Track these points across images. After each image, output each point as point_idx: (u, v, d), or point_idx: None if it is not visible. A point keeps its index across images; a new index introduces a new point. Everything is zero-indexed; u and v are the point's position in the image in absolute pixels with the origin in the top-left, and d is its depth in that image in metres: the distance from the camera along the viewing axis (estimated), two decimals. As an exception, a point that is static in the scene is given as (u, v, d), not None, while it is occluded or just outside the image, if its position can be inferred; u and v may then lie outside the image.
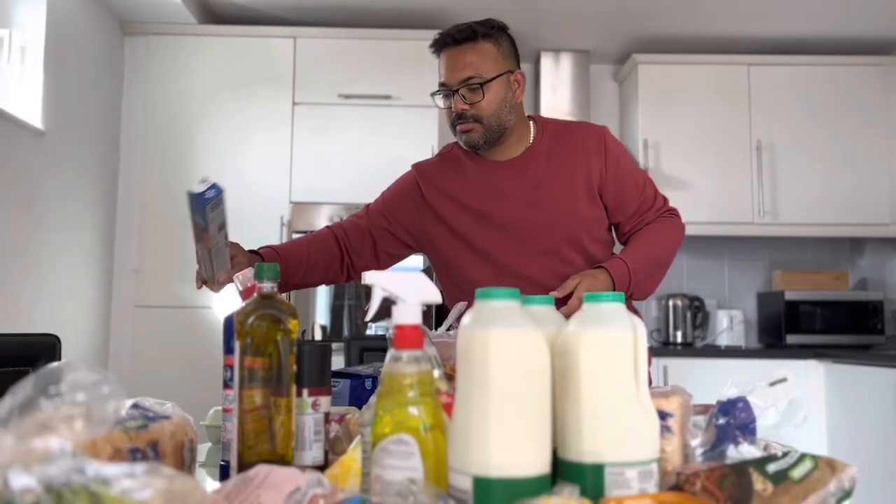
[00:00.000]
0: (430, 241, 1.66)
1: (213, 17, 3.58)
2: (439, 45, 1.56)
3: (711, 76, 3.68)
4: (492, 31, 1.56)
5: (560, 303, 1.44)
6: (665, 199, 1.70)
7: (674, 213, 1.70)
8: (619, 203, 1.63)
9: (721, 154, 3.64)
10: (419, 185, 1.66)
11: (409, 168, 1.72)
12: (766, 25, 3.60)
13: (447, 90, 1.54)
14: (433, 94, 1.58)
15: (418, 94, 3.34)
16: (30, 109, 2.69)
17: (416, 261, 3.37)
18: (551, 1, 3.33)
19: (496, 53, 1.55)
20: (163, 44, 3.39)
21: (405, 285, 0.77)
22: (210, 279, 1.32)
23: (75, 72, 2.99)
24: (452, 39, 1.54)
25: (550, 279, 1.55)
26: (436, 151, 3.33)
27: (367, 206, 1.70)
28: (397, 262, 1.71)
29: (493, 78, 1.52)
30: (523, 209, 1.58)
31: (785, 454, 0.75)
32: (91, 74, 3.12)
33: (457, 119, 1.55)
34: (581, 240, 1.59)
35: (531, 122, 1.65)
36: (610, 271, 1.53)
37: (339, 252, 1.64)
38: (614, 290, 1.53)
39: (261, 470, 0.70)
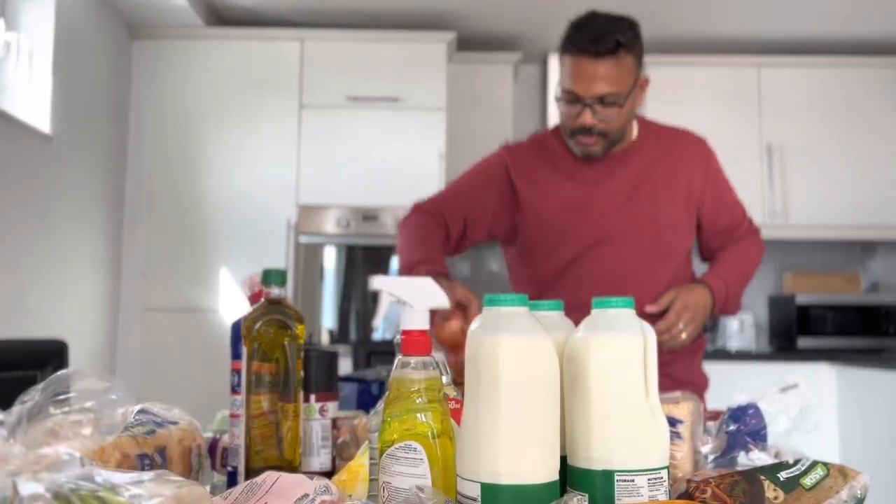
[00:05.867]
0: (514, 231, 1.57)
1: (221, 19, 3.60)
2: (576, 51, 1.38)
3: (721, 77, 3.67)
4: (631, 38, 1.39)
5: (654, 318, 1.41)
6: (751, 219, 1.67)
7: (757, 231, 1.67)
8: (713, 219, 1.58)
9: (731, 156, 3.59)
10: (509, 170, 1.54)
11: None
12: (776, 26, 3.58)
13: (573, 97, 1.40)
14: (557, 99, 1.45)
15: (426, 97, 3.34)
16: (38, 113, 2.70)
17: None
18: (559, 1, 3.32)
19: (633, 66, 1.41)
20: (170, 47, 3.40)
21: (413, 291, 0.77)
22: None
23: (83, 76, 3.00)
24: (595, 51, 1.36)
25: (638, 284, 1.48)
26: (443, 154, 3.34)
27: (456, 189, 1.57)
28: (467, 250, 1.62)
29: (629, 93, 1.41)
30: (622, 204, 1.51)
31: (796, 461, 0.75)
32: (99, 78, 3.14)
33: (580, 130, 1.43)
34: (674, 244, 1.54)
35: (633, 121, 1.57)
36: (711, 286, 1.48)
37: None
38: (713, 306, 1.49)
39: (269, 476, 0.70)
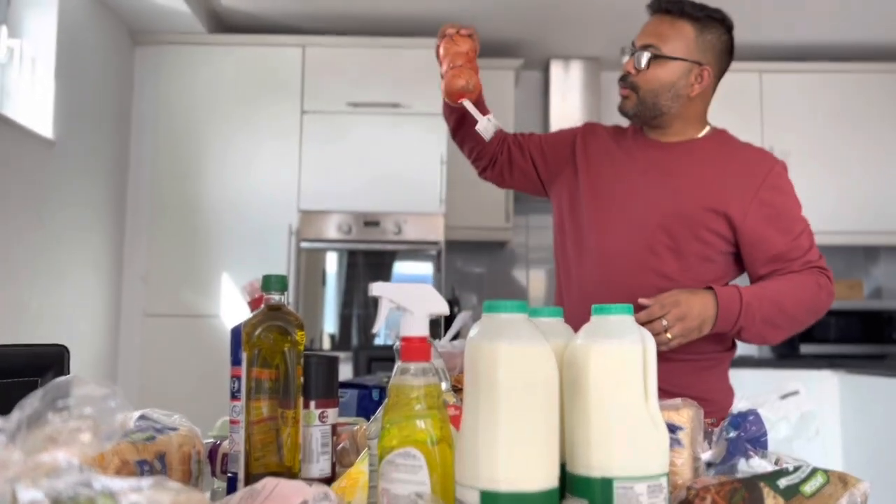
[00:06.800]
0: (558, 195, 1.66)
1: (223, 26, 3.61)
2: (651, 9, 1.54)
3: (723, 83, 3.64)
4: (702, 16, 1.50)
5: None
6: (821, 257, 1.51)
7: (826, 272, 1.50)
8: (757, 240, 1.47)
9: (731, 162, 3.62)
10: (576, 135, 1.67)
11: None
12: (778, 32, 3.59)
13: (632, 49, 1.53)
14: (623, 48, 1.56)
15: (427, 102, 3.35)
16: (40, 119, 2.71)
17: (426, 268, 3.37)
18: (561, 7, 3.33)
19: (691, 38, 1.49)
20: (172, 53, 3.41)
21: (413, 297, 0.77)
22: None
23: (86, 82, 3.01)
24: (658, 7, 1.51)
25: (634, 267, 1.48)
26: (444, 160, 3.35)
27: (532, 133, 1.74)
28: (520, 187, 1.73)
29: (671, 58, 1.48)
30: (646, 186, 1.52)
31: (796, 468, 0.75)
32: (101, 84, 3.15)
33: (620, 79, 1.55)
34: (683, 244, 1.47)
35: (708, 126, 1.59)
36: (717, 295, 1.37)
37: (500, 144, 1.67)
38: (715, 317, 1.36)
39: (268, 483, 0.70)
